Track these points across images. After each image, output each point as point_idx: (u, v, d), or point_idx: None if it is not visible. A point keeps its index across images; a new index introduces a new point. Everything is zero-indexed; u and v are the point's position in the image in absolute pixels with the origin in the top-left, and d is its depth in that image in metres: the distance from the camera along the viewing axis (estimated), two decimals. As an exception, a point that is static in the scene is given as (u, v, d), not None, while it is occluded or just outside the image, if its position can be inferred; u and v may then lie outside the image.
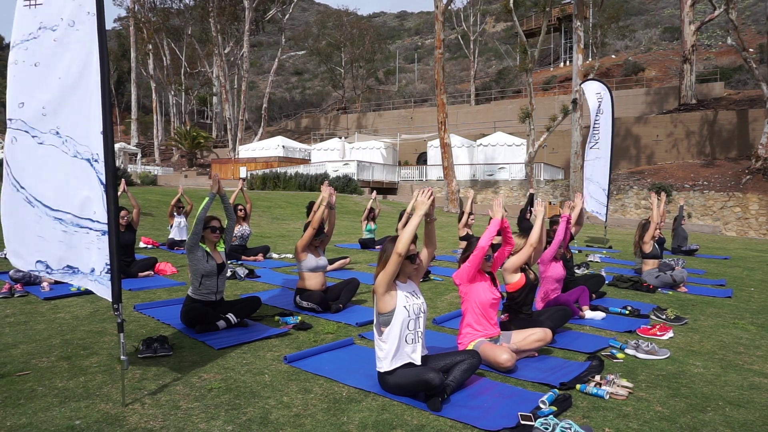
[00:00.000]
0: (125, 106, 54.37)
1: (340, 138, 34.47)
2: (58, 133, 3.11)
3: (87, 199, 3.09)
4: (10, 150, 3.22)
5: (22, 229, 3.23)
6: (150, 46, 42.76)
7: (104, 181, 3.02)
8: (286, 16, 42.49)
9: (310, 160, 31.81)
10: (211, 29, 37.97)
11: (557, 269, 5.33)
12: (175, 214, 9.54)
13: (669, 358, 4.07)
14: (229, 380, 3.41)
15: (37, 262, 3.22)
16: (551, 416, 2.83)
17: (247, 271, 7.03)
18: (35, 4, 3.17)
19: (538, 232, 4.54)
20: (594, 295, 6.03)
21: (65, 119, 3.11)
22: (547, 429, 2.70)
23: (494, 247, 3.97)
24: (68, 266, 3.16)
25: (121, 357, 3.07)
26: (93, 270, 3.11)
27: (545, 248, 5.19)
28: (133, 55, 44.52)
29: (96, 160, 3.04)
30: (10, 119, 3.21)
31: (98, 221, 3.06)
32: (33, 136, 3.16)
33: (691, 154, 27.92)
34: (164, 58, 44.73)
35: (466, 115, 39.90)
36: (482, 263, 3.86)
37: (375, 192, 10.55)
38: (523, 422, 2.80)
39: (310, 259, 5.35)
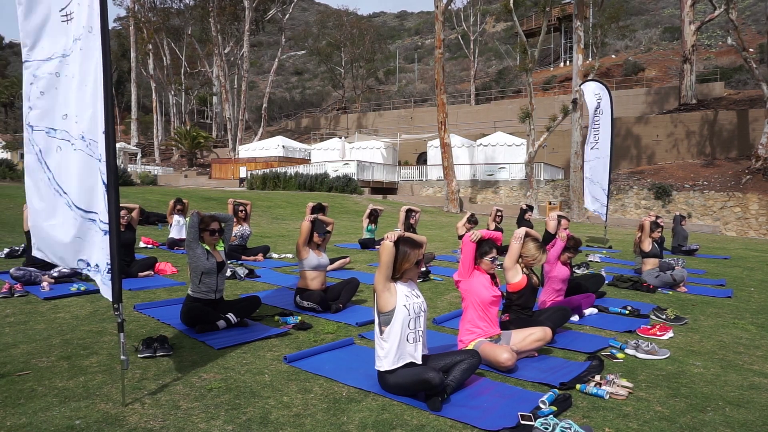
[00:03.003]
0: (125, 106, 54.38)
1: (340, 138, 34.48)
2: (83, 137, 3.19)
3: (98, 199, 3.13)
4: (51, 158, 3.37)
5: (65, 230, 3.33)
6: (150, 46, 42.79)
7: (105, 181, 3.03)
8: (286, 16, 42.50)
9: (310, 160, 31.82)
10: (211, 29, 37.99)
11: (563, 270, 5.34)
12: (174, 213, 9.54)
13: (669, 358, 4.07)
14: (229, 380, 3.41)
15: (79, 260, 3.32)
16: (551, 416, 2.83)
17: (247, 271, 7.03)
18: (69, 19, 3.23)
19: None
20: (594, 296, 6.03)
21: (87, 123, 3.17)
22: (547, 429, 2.70)
23: (497, 248, 3.98)
24: (97, 264, 3.23)
25: (121, 357, 3.07)
26: (99, 269, 3.16)
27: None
28: (133, 55, 44.53)
29: (100, 160, 3.07)
30: (53, 129, 3.34)
31: (101, 221, 3.09)
32: (71, 144, 3.27)
33: (692, 154, 27.92)
34: (164, 58, 44.75)
35: (466, 115, 39.90)
36: (486, 263, 3.88)
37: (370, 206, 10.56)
38: (523, 422, 2.80)
39: (311, 257, 5.35)
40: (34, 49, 3.40)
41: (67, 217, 3.30)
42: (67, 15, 3.25)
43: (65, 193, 3.32)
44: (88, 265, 3.27)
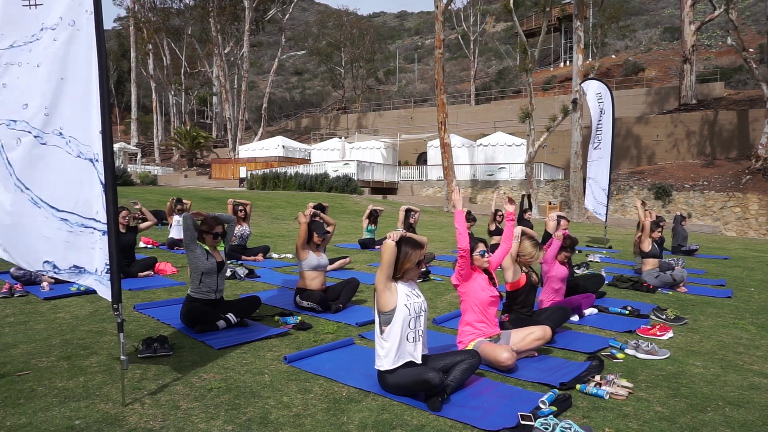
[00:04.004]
0: (125, 106, 54.36)
1: (340, 138, 34.45)
2: (61, 133, 3.12)
3: (90, 199, 3.10)
4: (13, 151, 3.23)
5: (28, 229, 3.24)
6: (150, 46, 42.74)
7: (104, 181, 3.02)
8: (286, 16, 42.48)
9: (310, 160, 31.80)
10: (211, 29, 37.97)
11: (561, 269, 5.35)
12: (175, 213, 9.54)
13: (669, 358, 4.07)
14: (229, 380, 3.41)
15: (45, 262, 3.24)
16: (551, 416, 2.83)
17: (247, 271, 7.03)
18: (35, 5, 3.17)
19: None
20: (594, 296, 6.03)
21: (68, 119, 3.11)
22: (547, 429, 2.70)
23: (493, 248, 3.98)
24: (75, 266, 3.18)
25: (121, 357, 3.07)
26: (97, 269, 3.14)
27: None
28: (133, 55, 44.49)
29: (97, 160, 3.05)
30: (13, 120, 3.21)
31: (100, 221, 3.07)
32: (35, 137, 3.17)
33: (692, 154, 27.91)
34: (164, 58, 44.72)
35: (466, 115, 39.89)
36: (477, 259, 3.88)
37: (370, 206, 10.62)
38: (523, 422, 2.80)
39: (311, 258, 5.35)
40: None
41: (34, 215, 3.20)
42: (29, 1, 3.20)
43: (27, 189, 3.21)
44: (55, 267, 3.20)
